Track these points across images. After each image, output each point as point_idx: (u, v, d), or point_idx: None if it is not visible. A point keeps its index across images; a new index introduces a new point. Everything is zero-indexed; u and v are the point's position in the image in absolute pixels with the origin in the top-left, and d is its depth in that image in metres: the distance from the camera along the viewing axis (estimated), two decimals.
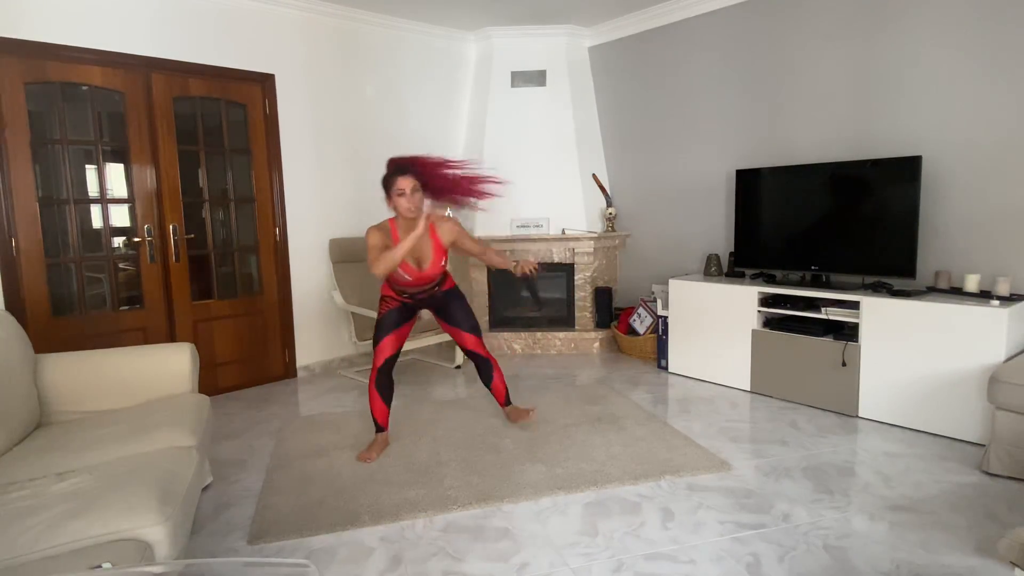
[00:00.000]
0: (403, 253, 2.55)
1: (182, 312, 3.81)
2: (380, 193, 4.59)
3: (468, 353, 3.04)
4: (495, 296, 5.01)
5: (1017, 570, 1.48)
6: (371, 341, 4.05)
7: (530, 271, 2.85)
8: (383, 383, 2.85)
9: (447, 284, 2.99)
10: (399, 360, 4.71)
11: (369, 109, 4.61)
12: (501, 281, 5.02)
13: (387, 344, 2.82)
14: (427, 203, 2.71)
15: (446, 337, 4.37)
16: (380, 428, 2.90)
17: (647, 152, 4.83)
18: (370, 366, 4.55)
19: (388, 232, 2.70)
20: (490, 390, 3.12)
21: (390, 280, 2.83)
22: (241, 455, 2.98)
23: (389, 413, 2.92)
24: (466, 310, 3.01)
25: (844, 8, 3.57)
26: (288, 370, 4.32)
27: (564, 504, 2.39)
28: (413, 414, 3.44)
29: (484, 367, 3.07)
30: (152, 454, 1.95)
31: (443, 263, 2.81)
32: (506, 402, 3.15)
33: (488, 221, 4.96)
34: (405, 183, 2.60)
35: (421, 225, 2.57)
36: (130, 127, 3.56)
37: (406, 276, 2.72)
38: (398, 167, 2.65)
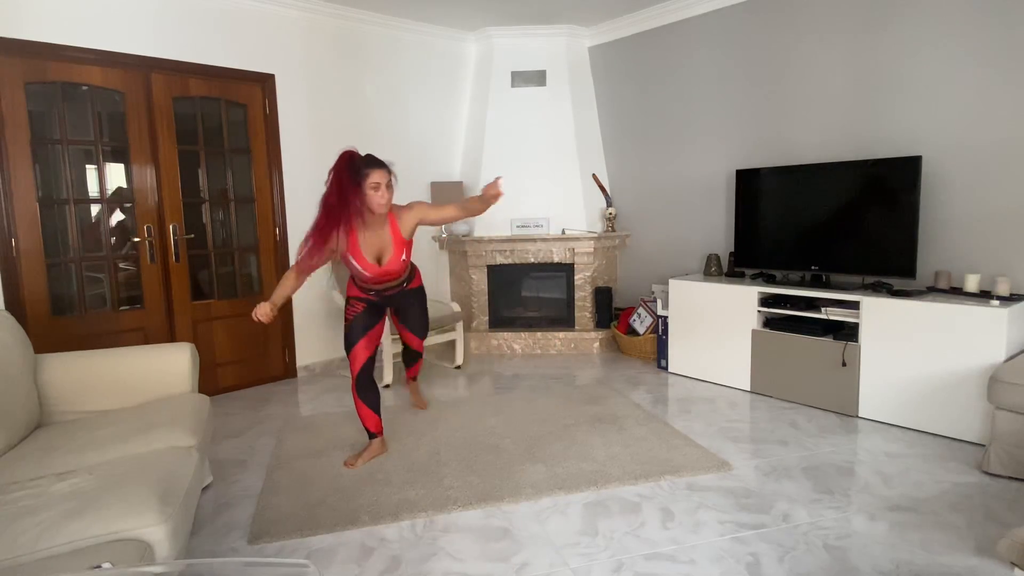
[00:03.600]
0: (281, 300, 2.50)
1: (182, 312, 3.80)
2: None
3: (407, 348, 3.28)
4: (494, 296, 5.01)
5: (1017, 570, 1.48)
6: None
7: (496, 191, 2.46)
8: (364, 389, 2.75)
9: (415, 282, 2.93)
10: (400, 360, 4.71)
11: (369, 109, 4.61)
12: (501, 281, 5.02)
13: (359, 350, 2.71)
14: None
15: (446, 337, 4.37)
16: (372, 435, 2.82)
17: (647, 152, 4.83)
18: None
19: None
20: (407, 366, 3.45)
21: (354, 278, 2.72)
22: (241, 455, 2.97)
23: (380, 419, 2.82)
24: (423, 317, 3.09)
25: (844, 8, 3.57)
26: (288, 370, 4.32)
27: (564, 504, 2.39)
28: (413, 414, 3.44)
29: (414, 357, 3.38)
30: (152, 454, 1.95)
31: (403, 257, 2.66)
32: (414, 378, 3.50)
33: (488, 221, 4.96)
34: (381, 176, 2.44)
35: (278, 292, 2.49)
36: (130, 127, 3.55)
37: (365, 272, 2.60)
38: (370, 159, 2.47)
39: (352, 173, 2.42)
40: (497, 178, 2.39)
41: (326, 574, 1.96)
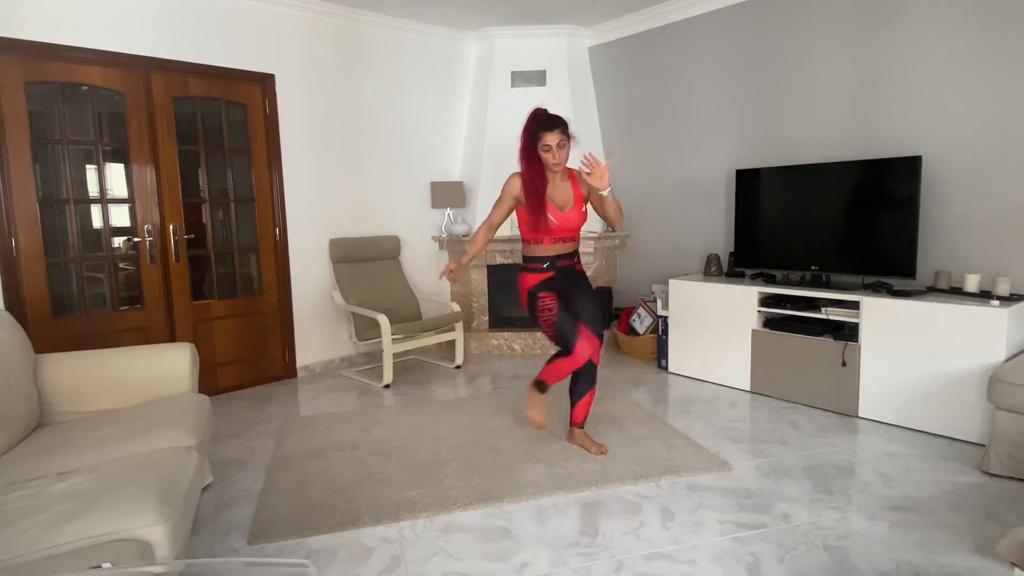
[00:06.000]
0: (475, 252, 2.79)
1: (182, 312, 3.80)
2: (382, 190, 4.68)
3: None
4: (494, 296, 5.01)
5: (1017, 570, 1.48)
6: (372, 340, 4.07)
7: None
8: (576, 379, 2.78)
9: (579, 263, 2.86)
10: (400, 360, 4.71)
11: (369, 109, 4.61)
12: (500, 281, 5.02)
13: (583, 346, 2.61)
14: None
15: (446, 337, 4.37)
16: (544, 387, 2.80)
17: (647, 152, 4.83)
18: (370, 366, 4.57)
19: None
20: (572, 403, 2.87)
21: (530, 248, 2.75)
22: (241, 455, 2.98)
23: (548, 388, 2.81)
24: (596, 307, 2.76)
25: (844, 8, 3.57)
26: (288, 370, 4.32)
27: (564, 504, 2.39)
28: (413, 414, 3.44)
29: (585, 375, 2.78)
30: (152, 454, 1.95)
31: (583, 210, 2.74)
32: (581, 425, 2.90)
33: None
34: (552, 138, 2.56)
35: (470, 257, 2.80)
36: (130, 127, 3.55)
37: (554, 221, 2.64)
38: (544, 121, 2.58)
39: (531, 134, 2.61)
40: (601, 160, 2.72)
41: (326, 574, 1.96)
